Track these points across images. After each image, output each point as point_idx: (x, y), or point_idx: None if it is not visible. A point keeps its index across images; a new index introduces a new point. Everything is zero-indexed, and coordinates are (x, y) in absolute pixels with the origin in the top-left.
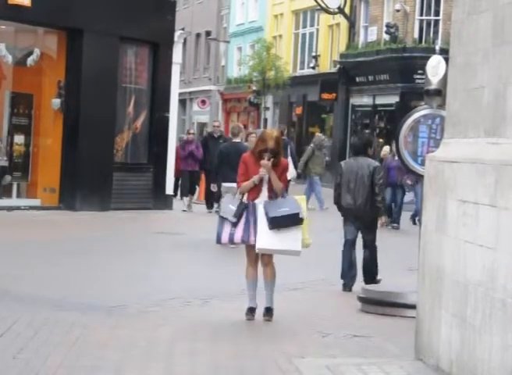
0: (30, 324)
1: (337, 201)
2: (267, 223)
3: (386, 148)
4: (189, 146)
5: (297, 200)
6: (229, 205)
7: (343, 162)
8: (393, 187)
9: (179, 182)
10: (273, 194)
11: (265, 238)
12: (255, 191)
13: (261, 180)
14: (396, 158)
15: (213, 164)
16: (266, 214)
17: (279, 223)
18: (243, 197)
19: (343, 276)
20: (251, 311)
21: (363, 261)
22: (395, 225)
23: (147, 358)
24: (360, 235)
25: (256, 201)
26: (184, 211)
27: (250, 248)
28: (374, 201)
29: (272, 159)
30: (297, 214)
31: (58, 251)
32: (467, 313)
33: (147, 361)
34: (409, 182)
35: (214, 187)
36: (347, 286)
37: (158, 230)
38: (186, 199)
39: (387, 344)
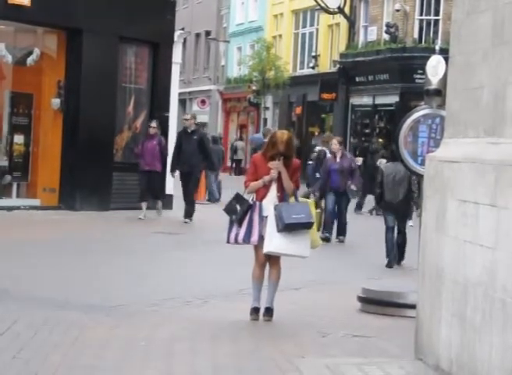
0: (30, 324)
1: (379, 197)
2: (277, 225)
3: (336, 142)
4: (148, 142)
5: (309, 204)
6: (236, 205)
7: (383, 167)
8: (336, 194)
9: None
10: (283, 194)
11: (274, 241)
12: (263, 190)
13: (270, 181)
14: (338, 160)
15: (190, 165)
16: (280, 218)
17: (293, 228)
18: (251, 197)
19: (388, 255)
20: (256, 311)
21: (396, 243)
22: (341, 237)
23: (146, 357)
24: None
25: (264, 200)
26: (140, 219)
27: (259, 248)
28: (410, 198)
29: (281, 158)
30: (312, 223)
31: (57, 251)
32: (467, 313)
33: (146, 360)
34: (353, 187)
35: (172, 175)
36: (391, 263)
37: (157, 229)
38: (144, 204)
39: (387, 344)
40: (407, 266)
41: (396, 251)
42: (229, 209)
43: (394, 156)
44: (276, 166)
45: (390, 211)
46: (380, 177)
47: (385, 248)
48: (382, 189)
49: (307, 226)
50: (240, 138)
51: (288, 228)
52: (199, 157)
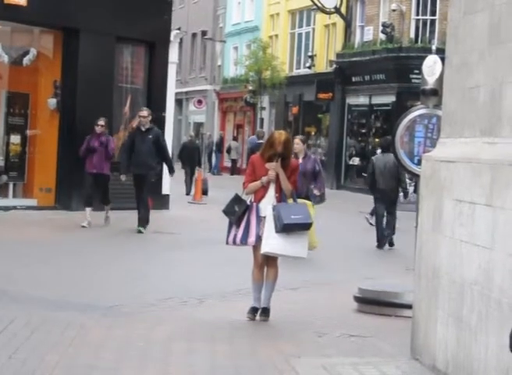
0: (27, 324)
1: (371, 186)
2: (275, 226)
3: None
4: (95, 142)
5: (307, 205)
6: (234, 205)
7: (374, 158)
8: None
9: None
10: (281, 195)
11: (272, 241)
12: (262, 191)
13: (268, 181)
14: (300, 160)
15: (145, 166)
16: (278, 218)
17: (291, 229)
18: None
19: (378, 240)
20: (254, 311)
21: (385, 225)
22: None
23: (143, 357)
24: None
25: (262, 201)
26: (84, 227)
27: (257, 249)
28: (399, 185)
29: (279, 160)
30: (310, 224)
31: (54, 251)
32: (463, 313)
33: (143, 361)
34: (316, 192)
35: (123, 177)
36: (381, 245)
37: (154, 229)
38: (88, 210)
39: (383, 344)
40: (404, 265)
41: (385, 234)
42: (228, 211)
43: (384, 147)
44: (274, 167)
45: (381, 199)
46: (371, 168)
47: (376, 233)
48: (374, 178)
49: (305, 227)
50: (234, 138)
51: (286, 229)
52: (154, 158)
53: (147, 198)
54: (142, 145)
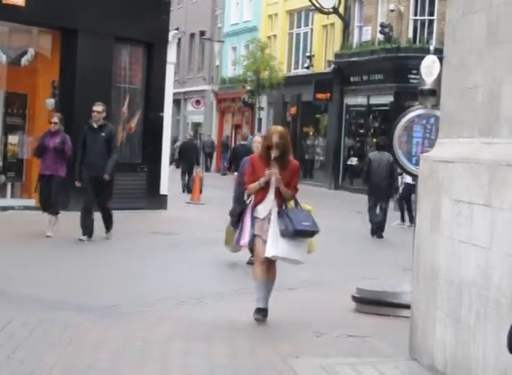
0: (25, 324)
1: (366, 181)
2: (284, 229)
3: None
4: (50, 141)
5: (311, 212)
6: (237, 207)
7: (370, 155)
8: None
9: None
10: (281, 200)
11: (277, 246)
12: (261, 193)
13: (267, 183)
14: None
15: (97, 168)
16: (290, 223)
17: (300, 234)
18: (249, 199)
19: (371, 231)
20: (260, 312)
21: (378, 219)
22: None
23: (142, 358)
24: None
25: (262, 203)
26: (48, 236)
27: (258, 247)
28: (391, 182)
29: (278, 158)
30: (316, 232)
31: (52, 252)
32: (461, 313)
33: (142, 361)
34: None
35: (78, 183)
36: (374, 234)
37: (152, 229)
38: (49, 217)
39: (381, 344)
40: (402, 265)
41: (376, 225)
42: (233, 212)
43: (380, 146)
44: (273, 173)
45: (374, 192)
46: (367, 164)
47: (369, 223)
48: (369, 174)
49: (313, 234)
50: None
51: (296, 234)
52: (107, 158)
53: (106, 202)
54: (93, 145)
